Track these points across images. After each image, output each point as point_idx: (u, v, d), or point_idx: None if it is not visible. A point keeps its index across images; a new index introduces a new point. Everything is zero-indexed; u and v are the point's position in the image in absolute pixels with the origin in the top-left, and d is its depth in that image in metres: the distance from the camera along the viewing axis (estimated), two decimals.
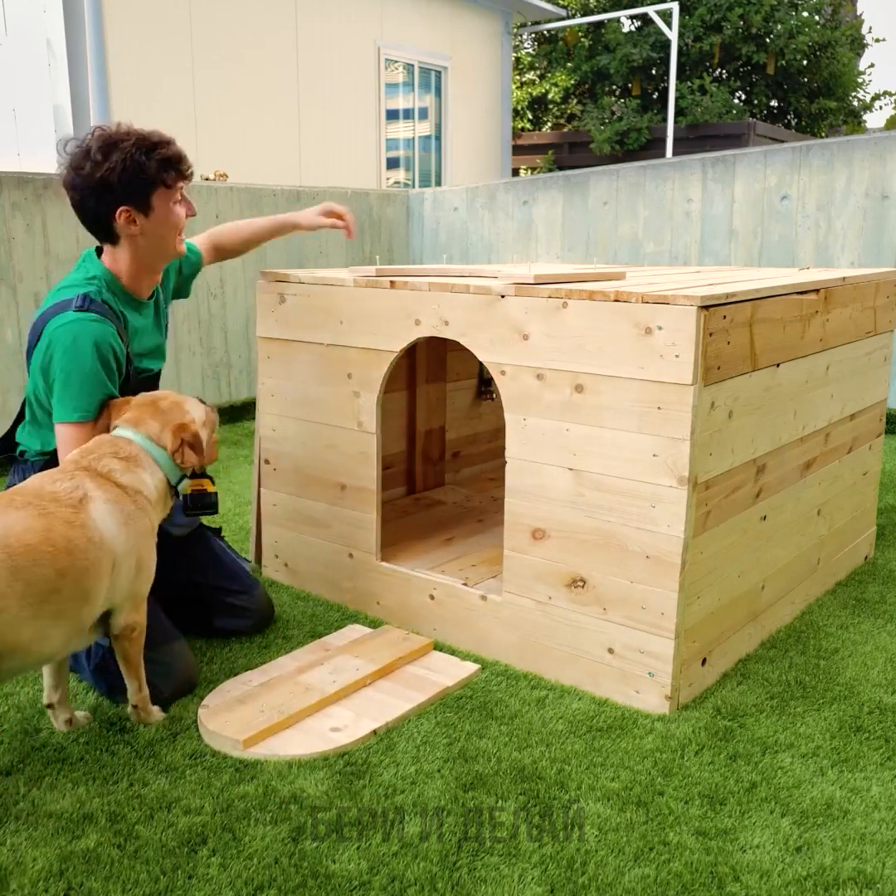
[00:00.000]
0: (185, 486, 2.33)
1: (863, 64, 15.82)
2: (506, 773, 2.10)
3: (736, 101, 13.86)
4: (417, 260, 7.06)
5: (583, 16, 14.00)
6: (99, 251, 2.52)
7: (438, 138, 10.99)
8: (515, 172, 13.41)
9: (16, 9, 7.41)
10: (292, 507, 3.09)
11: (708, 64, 13.78)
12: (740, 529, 2.50)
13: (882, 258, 5.29)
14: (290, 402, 3.01)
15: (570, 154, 13.52)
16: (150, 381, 2.64)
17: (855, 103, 15.16)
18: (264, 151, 8.48)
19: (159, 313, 2.67)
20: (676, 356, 2.17)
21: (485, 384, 4.05)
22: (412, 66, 10.40)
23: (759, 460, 2.52)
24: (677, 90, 12.48)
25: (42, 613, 1.91)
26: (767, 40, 13.23)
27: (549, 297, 2.36)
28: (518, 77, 14.84)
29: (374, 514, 2.87)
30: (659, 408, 2.22)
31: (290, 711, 2.29)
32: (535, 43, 15.27)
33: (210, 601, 2.73)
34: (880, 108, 16.46)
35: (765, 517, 2.62)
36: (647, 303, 2.20)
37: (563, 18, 12.93)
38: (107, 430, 2.28)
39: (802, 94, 14.26)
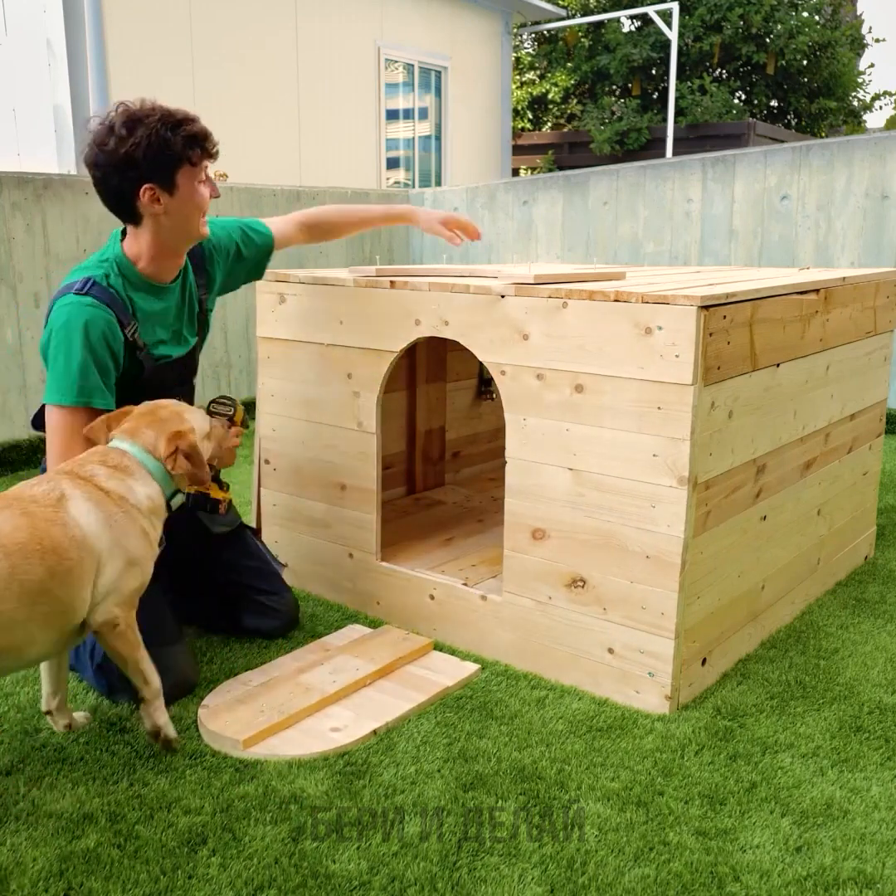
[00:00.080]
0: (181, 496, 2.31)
1: (863, 64, 15.84)
2: (506, 773, 2.10)
3: (736, 101, 13.86)
4: (417, 260, 7.06)
5: (583, 16, 14.00)
6: (124, 232, 2.46)
7: (438, 138, 10.98)
8: (515, 172, 13.41)
9: (16, 9, 7.40)
10: (292, 507, 3.09)
11: (708, 64, 13.79)
12: (740, 529, 2.50)
13: (882, 258, 5.29)
14: (290, 402, 3.01)
15: (570, 154, 13.53)
16: (172, 368, 2.54)
17: (855, 103, 15.17)
18: (264, 151, 8.47)
19: (187, 298, 2.57)
20: (676, 356, 2.17)
21: (485, 384, 4.04)
22: (412, 66, 10.40)
23: (759, 460, 2.53)
24: (677, 90, 12.48)
25: (34, 614, 1.90)
26: (767, 40, 13.23)
27: (549, 297, 2.36)
28: (518, 77, 14.84)
29: (374, 514, 2.87)
30: (659, 408, 2.22)
31: (290, 711, 2.29)
32: (535, 43, 15.27)
33: (241, 599, 2.73)
34: (880, 108, 16.48)
35: (765, 517, 2.62)
36: (647, 303, 2.20)
37: (563, 18, 12.93)
38: (105, 441, 2.25)
39: (802, 94, 14.26)
